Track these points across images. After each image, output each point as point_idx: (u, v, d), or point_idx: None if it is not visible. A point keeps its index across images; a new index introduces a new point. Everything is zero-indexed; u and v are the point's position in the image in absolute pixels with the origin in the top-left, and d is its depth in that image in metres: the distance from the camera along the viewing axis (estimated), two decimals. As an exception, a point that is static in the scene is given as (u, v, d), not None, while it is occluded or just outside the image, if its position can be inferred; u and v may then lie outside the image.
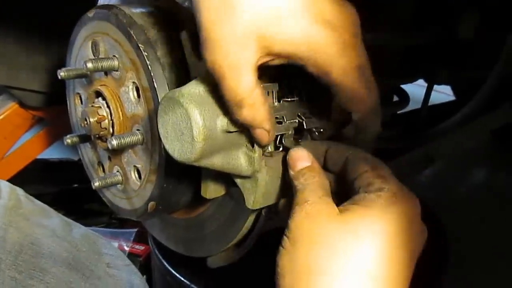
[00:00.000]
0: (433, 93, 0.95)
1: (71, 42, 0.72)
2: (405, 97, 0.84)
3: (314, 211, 0.43)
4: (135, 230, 1.34)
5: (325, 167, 0.50)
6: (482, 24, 0.87)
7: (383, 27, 0.74)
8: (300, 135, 0.53)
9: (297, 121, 0.52)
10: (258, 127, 0.46)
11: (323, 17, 0.40)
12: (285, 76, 0.51)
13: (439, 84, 1.09)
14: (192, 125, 0.45)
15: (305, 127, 0.51)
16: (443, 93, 1.74)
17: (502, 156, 1.73)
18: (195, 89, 0.47)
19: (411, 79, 0.83)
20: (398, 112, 0.88)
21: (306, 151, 0.49)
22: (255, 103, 0.43)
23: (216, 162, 0.49)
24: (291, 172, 0.48)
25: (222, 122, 0.47)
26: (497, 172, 1.74)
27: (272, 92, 0.51)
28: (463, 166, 1.70)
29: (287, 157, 0.49)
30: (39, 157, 1.46)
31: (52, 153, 1.63)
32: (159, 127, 0.49)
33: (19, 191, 0.88)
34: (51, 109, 1.31)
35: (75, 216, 1.10)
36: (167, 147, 0.49)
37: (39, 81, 1.20)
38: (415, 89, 1.11)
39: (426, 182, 1.56)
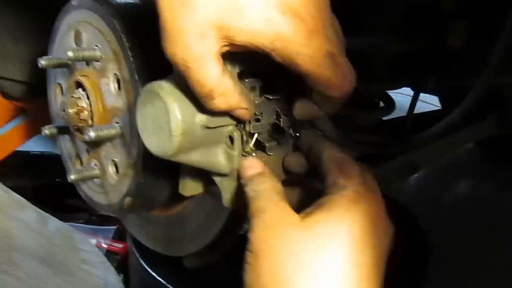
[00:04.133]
0: (419, 103, 0.95)
1: (54, 30, 0.70)
2: (391, 103, 0.84)
3: (273, 222, 0.41)
4: (115, 227, 1.32)
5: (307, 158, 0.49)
6: (472, 34, 0.87)
7: (371, 32, 0.73)
8: (281, 135, 0.52)
9: (274, 118, 0.51)
10: (235, 109, 0.45)
11: (286, 5, 0.38)
12: (268, 72, 0.50)
13: (426, 92, 1.09)
14: (170, 119, 0.44)
15: (281, 125, 0.50)
16: (430, 104, 1.76)
17: (487, 167, 1.75)
18: (175, 82, 0.45)
19: (398, 85, 0.83)
20: (384, 118, 0.88)
21: (257, 160, 0.48)
22: (225, 91, 0.42)
23: (194, 158, 0.48)
24: (242, 181, 0.47)
25: (201, 117, 0.46)
26: (481, 183, 1.75)
27: (255, 87, 0.50)
28: (447, 176, 1.71)
29: (239, 167, 0.48)
30: (20, 149, 1.44)
31: (34, 146, 1.61)
32: (137, 120, 0.48)
33: (-5, 182, 0.86)
34: (35, 100, 1.28)
35: (54, 211, 1.07)
36: (145, 140, 0.48)
37: (23, 71, 1.17)
38: (402, 98, 1.11)
39: (409, 191, 1.56)
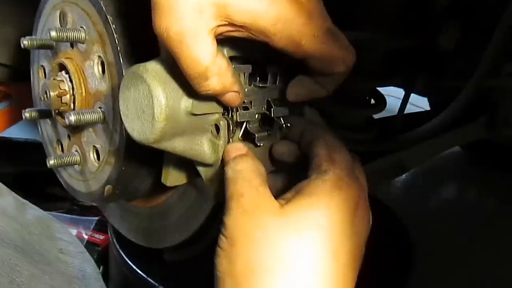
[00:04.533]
0: (408, 105, 0.94)
1: (39, 10, 0.67)
2: (381, 101, 0.83)
3: (252, 207, 0.39)
4: (96, 218, 1.29)
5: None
6: (463, 36, 0.87)
7: (364, 27, 0.72)
8: (270, 126, 0.50)
9: (265, 107, 0.49)
10: (228, 91, 0.43)
11: None
12: (259, 60, 0.48)
13: (415, 93, 1.09)
14: (153, 103, 0.42)
15: (272, 115, 0.48)
16: (418, 106, 1.76)
17: (473, 170, 1.75)
18: (161, 65, 0.44)
19: (389, 82, 0.82)
20: (374, 116, 0.87)
21: (242, 144, 0.47)
22: (220, 70, 0.40)
23: (178, 146, 0.46)
24: (225, 163, 0.45)
25: (187, 103, 0.44)
26: (467, 186, 1.76)
27: (244, 74, 0.48)
28: (433, 178, 1.72)
29: (223, 153, 0.47)
30: (2, 135, 1.40)
31: (18, 133, 1.57)
32: (120, 103, 0.46)
33: (-29, 166, 0.83)
34: (19, 85, 1.25)
35: (36, 199, 1.05)
36: (126, 125, 0.46)
37: (8, 54, 1.14)
38: (392, 100, 1.10)
39: (396, 192, 1.56)
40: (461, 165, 1.81)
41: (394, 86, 0.89)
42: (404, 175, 1.50)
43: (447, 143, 0.98)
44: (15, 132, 1.50)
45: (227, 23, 0.38)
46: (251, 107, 0.48)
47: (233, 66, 0.46)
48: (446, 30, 0.86)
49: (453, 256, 1.26)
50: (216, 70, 0.40)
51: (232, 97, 0.44)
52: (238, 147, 0.46)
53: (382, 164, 0.85)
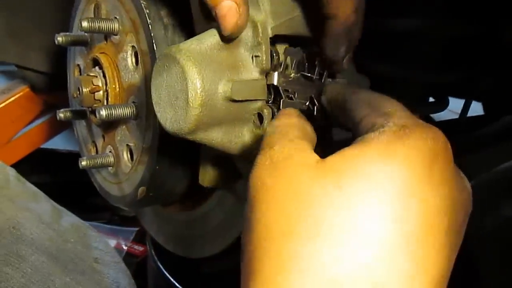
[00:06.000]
0: (446, 112, 0.84)
1: (75, 7, 0.65)
2: (442, 100, 0.74)
3: (281, 157, 0.30)
4: (136, 229, 1.27)
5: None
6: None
7: (420, 14, 0.64)
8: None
9: (307, 104, 0.43)
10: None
11: None
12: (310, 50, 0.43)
13: (478, 94, 0.99)
14: (187, 87, 0.37)
15: (314, 112, 0.41)
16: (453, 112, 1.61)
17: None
18: (196, 45, 0.38)
19: (451, 78, 0.73)
20: (434, 117, 0.78)
21: (294, 109, 0.37)
22: None
23: (215, 138, 0.41)
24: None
25: (225, 87, 0.39)
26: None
27: (293, 60, 0.42)
28: (494, 193, 1.58)
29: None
30: (44, 147, 1.41)
31: (60, 144, 1.58)
32: (152, 92, 0.41)
33: (11, 171, 0.81)
34: (63, 94, 1.26)
35: (75, 209, 1.03)
36: (159, 116, 0.41)
37: (48, 62, 1.14)
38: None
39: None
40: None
41: (454, 83, 0.80)
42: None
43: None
44: (56, 143, 1.51)
45: None
46: (294, 98, 0.42)
47: (287, 47, 0.41)
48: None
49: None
50: None
51: (226, 8, 0.36)
52: (289, 111, 0.37)
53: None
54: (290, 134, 0.32)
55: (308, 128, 0.35)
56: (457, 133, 0.80)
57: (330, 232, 0.27)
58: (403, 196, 0.27)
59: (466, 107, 0.79)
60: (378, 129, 0.29)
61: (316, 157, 0.30)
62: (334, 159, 0.29)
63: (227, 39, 0.39)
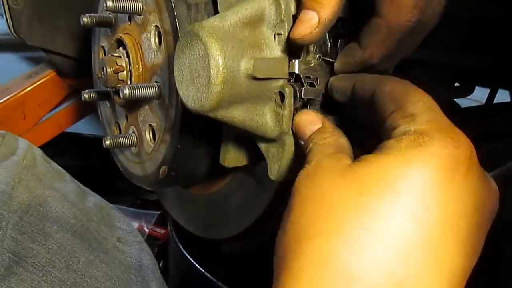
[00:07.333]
0: (466, 100, 0.81)
1: (99, -11, 0.66)
2: (469, 84, 0.72)
3: (316, 169, 0.33)
4: (158, 212, 1.29)
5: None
6: None
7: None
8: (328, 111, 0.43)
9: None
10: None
11: None
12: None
13: (506, 81, 0.96)
14: (210, 63, 0.37)
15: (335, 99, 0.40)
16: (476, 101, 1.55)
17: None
18: (219, 22, 0.38)
19: (478, 62, 0.71)
20: (459, 102, 0.76)
21: (313, 112, 0.40)
22: None
23: (237, 115, 0.41)
24: (301, 142, 0.39)
25: (248, 64, 0.39)
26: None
27: (314, 45, 0.42)
28: None
29: (294, 124, 0.40)
30: (69, 131, 1.44)
31: (84, 128, 1.61)
32: (174, 70, 0.41)
33: (37, 151, 0.83)
34: (88, 79, 1.28)
35: (98, 192, 1.06)
36: (181, 94, 0.41)
37: (74, 46, 1.16)
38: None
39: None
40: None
41: (481, 69, 0.77)
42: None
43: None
44: (80, 128, 1.54)
45: None
46: (317, 84, 0.42)
47: None
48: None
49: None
50: None
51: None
52: (311, 119, 0.39)
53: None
54: (327, 151, 0.35)
55: (341, 140, 0.37)
56: (482, 119, 0.79)
57: (349, 232, 0.29)
58: (421, 200, 0.29)
59: (491, 97, 0.77)
60: (399, 135, 0.31)
61: (343, 164, 0.32)
62: (357, 168, 0.31)
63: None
